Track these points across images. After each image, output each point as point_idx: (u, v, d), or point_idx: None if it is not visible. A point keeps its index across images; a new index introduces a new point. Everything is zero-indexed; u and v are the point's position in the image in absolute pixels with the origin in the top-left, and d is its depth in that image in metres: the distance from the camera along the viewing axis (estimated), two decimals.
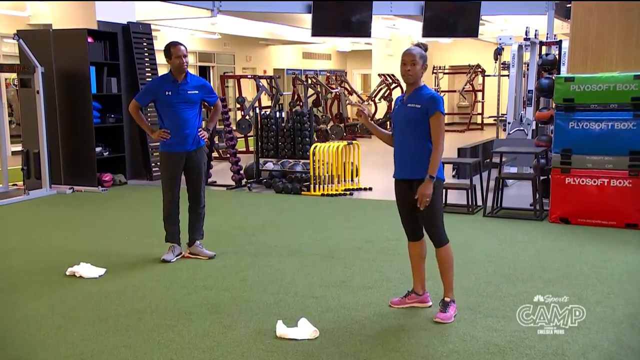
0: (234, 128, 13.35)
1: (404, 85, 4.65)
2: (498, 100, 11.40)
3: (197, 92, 5.94)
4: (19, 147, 11.36)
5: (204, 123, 6.49)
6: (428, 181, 4.31)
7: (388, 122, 20.19)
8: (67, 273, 5.61)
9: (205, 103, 6.16)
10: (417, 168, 4.39)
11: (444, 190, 4.46)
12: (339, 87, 19.45)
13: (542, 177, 7.94)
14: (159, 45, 10.05)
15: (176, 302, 4.90)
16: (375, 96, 20.29)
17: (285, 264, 5.88)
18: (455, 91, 23.75)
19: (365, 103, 20.11)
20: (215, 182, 10.55)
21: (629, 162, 7.04)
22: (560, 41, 10.26)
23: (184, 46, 5.90)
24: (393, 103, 4.69)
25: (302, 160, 10.08)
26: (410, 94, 4.47)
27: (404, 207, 4.60)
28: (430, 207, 4.37)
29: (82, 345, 4.09)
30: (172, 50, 5.82)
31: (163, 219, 6.10)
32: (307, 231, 7.23)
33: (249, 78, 17.76)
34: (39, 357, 3.98)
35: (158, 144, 6.18)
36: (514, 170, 9.92)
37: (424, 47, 4.48)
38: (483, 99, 22.09)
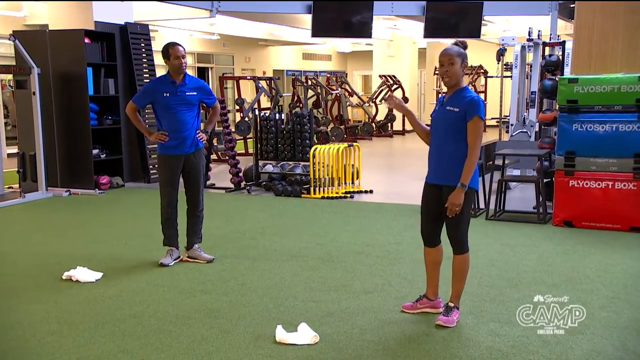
0: (233, 130, 13.29)
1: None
2: (501, 101, 11.34)
3: (195, 93, 5.88)
4: (14, 150, 11.30)
5: (202, 125, 6.42)
6: (459, 190, 4.21)
7: (389, 125, 20.23)
8: (64, 277, 5.56)
9: (204, 105, 6.09)
10: (450, 174, 4.30)
11: (474, 198, 4.33)
12: (339, 89, 19.41)
13: (545, 180, 7.89)
14: (157, 46, 9.99)
15: (174, 306, 4.85)
16: (376, 98, 20.25)
17: (285, 268, 5.82)
18: None
19: (366, 104, 20.08)
20: (214, 184, 10.50)
21: (634, 165, 6.98)
22: (564, 42, 10.21)
23: (183, 47, 5.85)
24: (435, 102, 4.53)
25: (302, 163, 10.03)
26: (450, 95, 4.35)
27: (429, 212, 4.52)
28: (458, 215, 4.30)
29: (78, 351, 4.05)
30: (171, 50, 5.77)
31: (161, 222, 6.05)
32: (307, 235, 7.18)
33: (248, 79, 17.72)
34: None
35: (156, 146, 6.13)
36: (516, 172, 9.86)
37: (463, 45, 4.34)
38: (485, 100, 22.00)
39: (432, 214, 4.49)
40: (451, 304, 4.47)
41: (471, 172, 4.23)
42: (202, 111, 7.20)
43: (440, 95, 4.46)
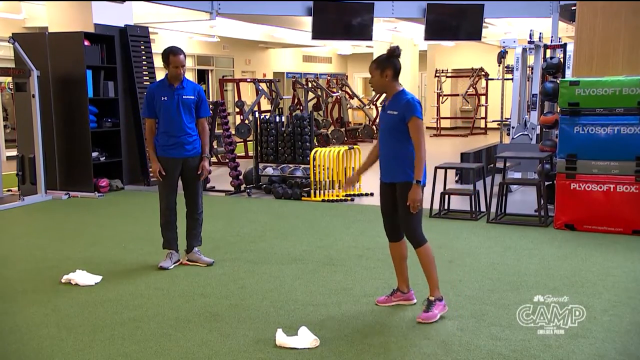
0: (233, 132, 13.26)
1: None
2: (502, 104, 11.30)
3: (192, 97, 5.87)
4: (14, 152, 11.29)
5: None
6: (415, 186, 4.47)
7: None
8: (63, 280, 5.54)
9: (197, 114, 5.97)
10: (399, 172, 4.57)
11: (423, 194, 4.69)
12: (339, 91, 19.39)
13: (547, 183, 7.85)
14: (157, 48, 9.97)
15: (174, 310, 4.84)
16: (377, 100, 20.22)
17: (285, 272, 5.80)
18: (458, 95, 23.68)
19: (367, 107, 20.05)
20: (214, 187, 10.47)
21: (636, 168, 6.95)
22: (565, 44, 10.20)
23: (184, 54, 5.79)
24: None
25: (302, 165, 10.00)
26: (390, 100, 4.65)
27: (386, 209, 4.77)
28: (408, 210, 4.53)
29: (77, 355, 4.03)
30: (171, 59, 5.72)
31: (160, 225, 6.03)
32: (307, 238, 7.15)
33: (249, 82, 17.68)
34: None
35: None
36: (518, 175, 9.84)
37: (389, 52, 4.66)
38: (486, 102, 22.01)
39: (389, 211, 4.75)
40: (432, 298, 4.60)
41: (421, 168, 4.48)
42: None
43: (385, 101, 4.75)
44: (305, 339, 4.15)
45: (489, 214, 7.87)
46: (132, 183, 10.94)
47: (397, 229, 4.75)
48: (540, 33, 10.71)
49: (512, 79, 11.40)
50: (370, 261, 6.11)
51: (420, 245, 4.60)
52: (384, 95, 4.90)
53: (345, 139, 17.48)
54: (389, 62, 4.62)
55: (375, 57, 4.82)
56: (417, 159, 4.46)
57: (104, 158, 10.53)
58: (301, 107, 17.73)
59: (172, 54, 5.74)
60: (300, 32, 19.02)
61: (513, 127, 10.57)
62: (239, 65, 24.25)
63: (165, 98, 5.77)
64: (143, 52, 11.19)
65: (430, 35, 14.85)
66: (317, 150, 9.53)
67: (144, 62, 11.19)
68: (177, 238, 6.08)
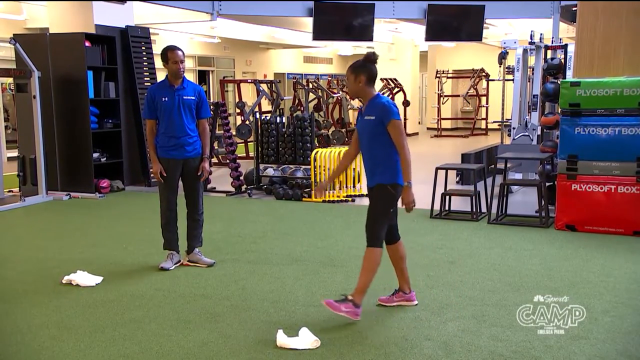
0: (234, 133, 13.26)
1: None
2: (502, 105, 11.31)
3: (193, 97, 5.87)
4: (15, 153, 11.27)
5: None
6: (406, 188, 4.49)
7: None
8: (63, 281, 5.54)
9: (198, 115, 5.97)
10: (380, 175, 4.58)
11: (397, 197, 4.68)
12: (340, 92, 19.37)
13: (547, 184, 7.85)
14: (158, 49, 9.96)
15: (174, 311, 4.84)
16: None
17: (286, 272, 5.80)
18: (459, 96, 23.70)
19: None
20: (215, 188, 10.47)
21: (637, 168, 6.95)
22: (566, 45, 10.20)
23: (182, 51, 5.83)
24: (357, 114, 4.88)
25: (303, 166, 10.01)
26: (366, 105, 4.62)
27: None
28: (375, 208, 4.61)
29: (78, 356, 4.03)
30: (169, 54, 5.76)
31: (161, 226, 6.03)
32: (307, 238, 7.15)
33: (249, 82, 17.67)
34: None
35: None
36: (519, 176, 9.84)
37: (365, 57, 4.58)
38: (487, 103, 22.03)
39: None
40: (350, 297, 4.53)
41: (409, 169, 4.47)
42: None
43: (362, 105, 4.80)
44: (306, 339, 4.15)
45: (490, 215, 7.87)
46: (132, 184, 10.94)
47: (392, 230, 4.78)
48: (541, 34, 10.71)
49: (512, 80, 11.40)
50: None
51: (374, 245, 4.55)
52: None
53: (346, 139, 17.44)
54: (364, 68, 4.55)
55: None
56: (404, 160, 4.47)
57: (104, 159, 10.53)
58: (302, 108, 17.72)
59: (169, 50, 5.79)
60: (301, 33, 19.01)
61: (514, 128, 10.57)
62: (240, 66, 24.27)
63: (166, 99, 5.77)
64: (144, 53, 11.20)
65: (431, 36, 14.81)
66: (317, 151, 9.54)
67: (144, 63, 11.20)
68: (178, 239, 6.08)
